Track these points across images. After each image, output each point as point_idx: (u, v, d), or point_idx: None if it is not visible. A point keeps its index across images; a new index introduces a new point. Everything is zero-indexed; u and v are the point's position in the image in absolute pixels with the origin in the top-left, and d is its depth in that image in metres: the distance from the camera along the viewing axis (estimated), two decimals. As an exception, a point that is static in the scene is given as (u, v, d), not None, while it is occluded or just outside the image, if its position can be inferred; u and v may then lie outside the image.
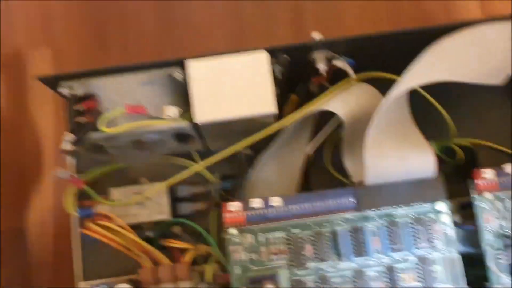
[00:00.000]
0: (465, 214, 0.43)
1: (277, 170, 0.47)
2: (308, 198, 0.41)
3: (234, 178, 0.47)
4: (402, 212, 0.41)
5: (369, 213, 0.41)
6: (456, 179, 0.43)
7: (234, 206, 0.40)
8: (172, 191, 0.47)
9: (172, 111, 0.40)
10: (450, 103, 0.45)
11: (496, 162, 0.47)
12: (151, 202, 0.46)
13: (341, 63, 0.44)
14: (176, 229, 0.46)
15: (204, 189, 0.47)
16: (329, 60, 0.44)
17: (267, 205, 0.41)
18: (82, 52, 0.60)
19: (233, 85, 0.40)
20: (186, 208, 0.47)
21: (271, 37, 0.59)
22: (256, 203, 0.41)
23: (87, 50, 0.60)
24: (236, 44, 0.56)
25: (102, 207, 0.46)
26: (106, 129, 0.39)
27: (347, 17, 0.60)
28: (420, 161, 0.41)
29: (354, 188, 0.41)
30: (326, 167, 0.48)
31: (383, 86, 0.47)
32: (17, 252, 0.57)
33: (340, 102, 0.43)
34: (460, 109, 0.47)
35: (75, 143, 0.39)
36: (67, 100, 0.41)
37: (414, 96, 0.44)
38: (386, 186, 0.41)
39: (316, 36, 0.43)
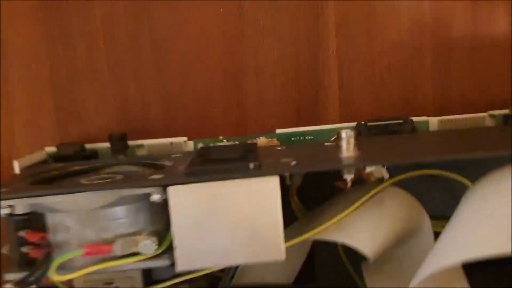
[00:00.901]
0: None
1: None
2: None
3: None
4: None
5: None
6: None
7: None
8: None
9: (147, 246, 0.31)
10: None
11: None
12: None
13: (375, 168, 0.33)
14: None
15: None
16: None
17: None
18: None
19: (230, 221, 0.30)
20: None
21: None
22: None
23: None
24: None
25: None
26: (58, 278, 0.30)
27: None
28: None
29: None
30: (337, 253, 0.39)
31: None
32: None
33: (367, 236, 0.33)
34: None
35: (20, 284, 0.30)
36: (9, 223, 0.31)
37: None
38: None
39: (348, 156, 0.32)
